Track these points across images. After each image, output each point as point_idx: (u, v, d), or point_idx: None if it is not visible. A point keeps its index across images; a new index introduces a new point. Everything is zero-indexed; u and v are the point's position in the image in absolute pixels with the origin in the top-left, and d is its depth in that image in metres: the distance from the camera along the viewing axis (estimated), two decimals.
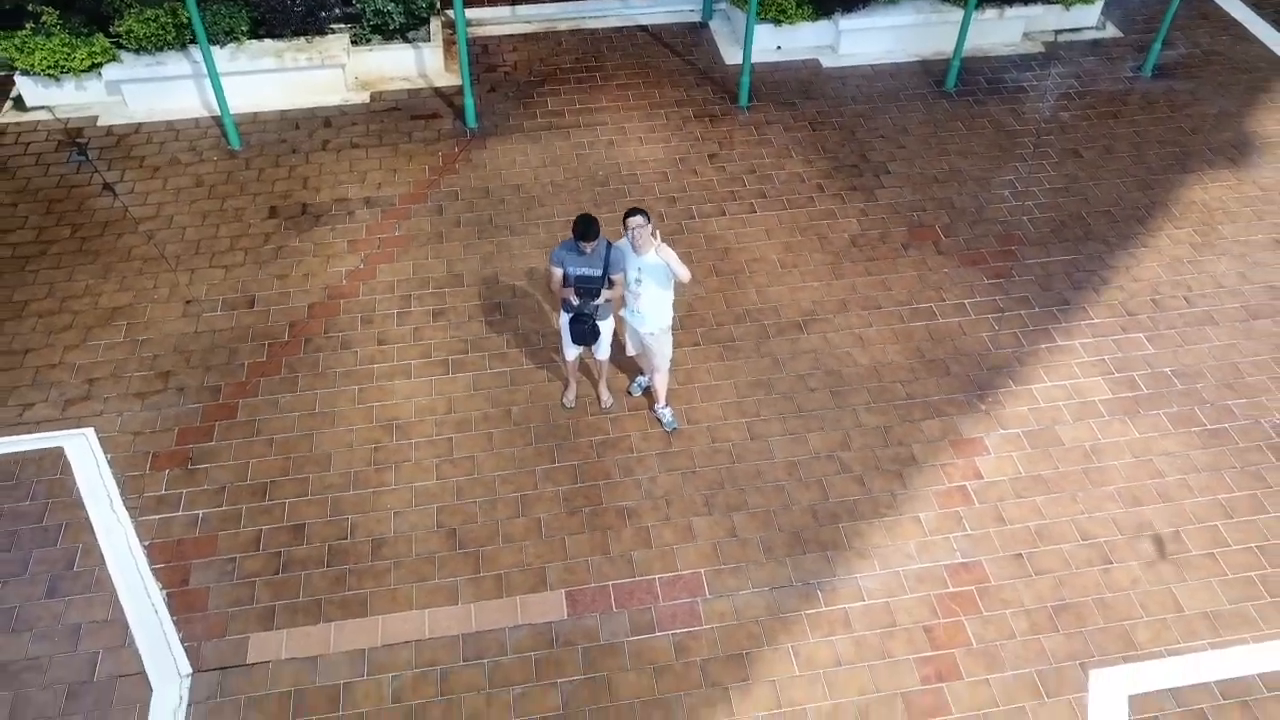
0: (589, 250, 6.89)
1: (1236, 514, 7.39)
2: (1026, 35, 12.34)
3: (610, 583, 6.88)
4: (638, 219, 6.82)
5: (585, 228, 6.67)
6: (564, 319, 7.33)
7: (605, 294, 7.04)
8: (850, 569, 7.00)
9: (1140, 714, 6.27)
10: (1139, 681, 6.43)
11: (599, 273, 6.93)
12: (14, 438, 7.67)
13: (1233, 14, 12.95)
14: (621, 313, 7.46)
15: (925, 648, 6.58)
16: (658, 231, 6.89)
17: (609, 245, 7.03)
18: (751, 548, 7.11)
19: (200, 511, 7.25)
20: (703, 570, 6.97)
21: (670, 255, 6.78)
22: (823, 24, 11.87)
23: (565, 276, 7.03)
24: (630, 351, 7.87)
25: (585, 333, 7.24)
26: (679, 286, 7.32)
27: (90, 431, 7.75)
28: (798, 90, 11.48)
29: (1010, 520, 7.32)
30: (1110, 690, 6.38)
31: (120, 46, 10.57)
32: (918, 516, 7.33)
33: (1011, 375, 8.37)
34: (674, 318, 7.38)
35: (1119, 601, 6.86)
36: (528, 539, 7.12)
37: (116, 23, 10.42)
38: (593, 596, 6.80)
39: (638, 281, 7.07)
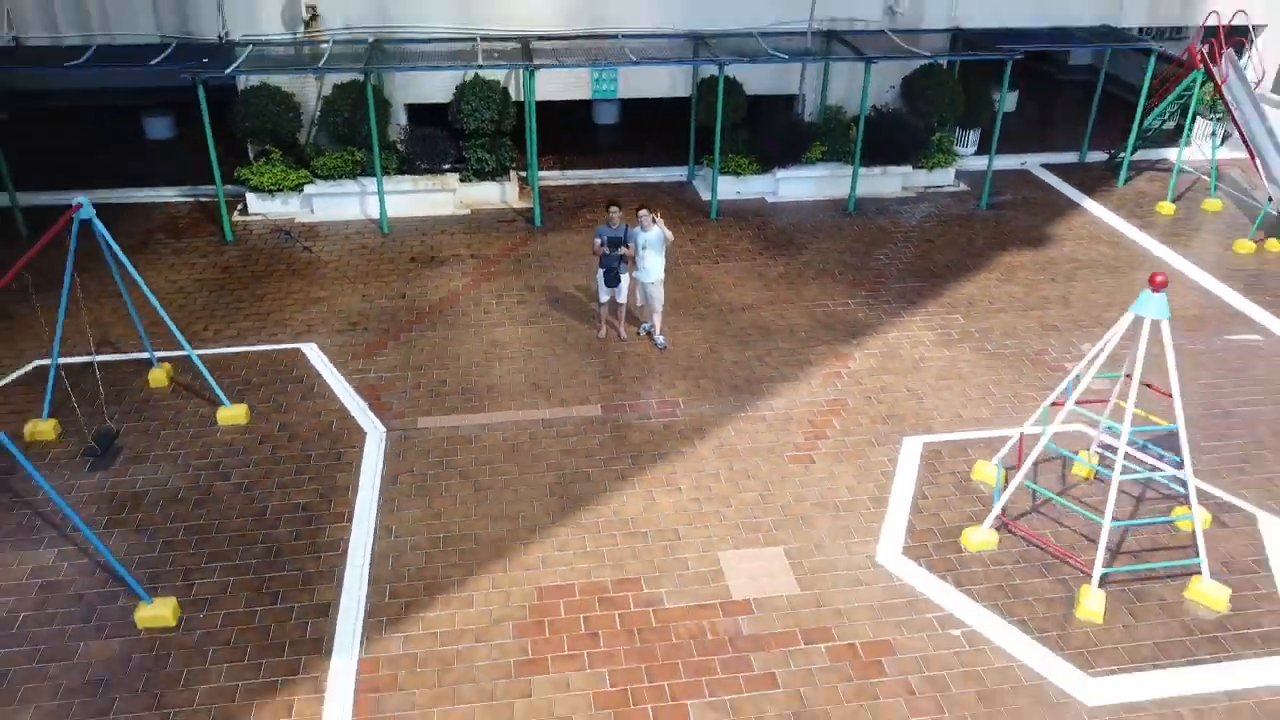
0: (615, 226, 12.43)
1: (1002, 384, 12.33)
2: (904, 187, 18.49)
3: (626, 402, 11.78)
4: (645, 211, 12.39)
5: (612, 201, 12.31)
6: (600, 274, 12.71)
7: (622, 250, 12.48)
8: (766, 401, 11.89)
9: (929, 451, 10.98)
10: (931, 440, 11.18)
11: (621, 236, 12.43)
12: (271, 345, 12.84)
13: (1048, 181, 19.17)
14: (634, 274, 12.81)
15: (807, 428, 11.37)
16: (659, 215, 12.41)
17: (626, 227, 12.57)
18: (709, 392, 12.04)
19: (382, 374, 12.27)
20: (680, 399, 11.87)
21: (663, 225, 12.29)
22: (767, 177, 18.04)
23: (602, 242, 12.51)
24: (639, 303, 13.16)
25: (613, 277, 12.60)
26: (669, 253, 12.75)
27: (313, 345, 12.91)
28: (750, 213, 17.44)
29: (865, 384, 12.27)
30: (913, 442, 11.11)
31: (315, 174, 16.66)
32: (809, 382, 12.30)
33: (875, 330, 13.55)
34: (665, 277, 12.72)
35: (926, 412, 11.69)
36: (577, 386, 12.08)
37: (315, 160, 16.58)
38: (615, 406, 11.68)
39: (644, 248, 12.50)
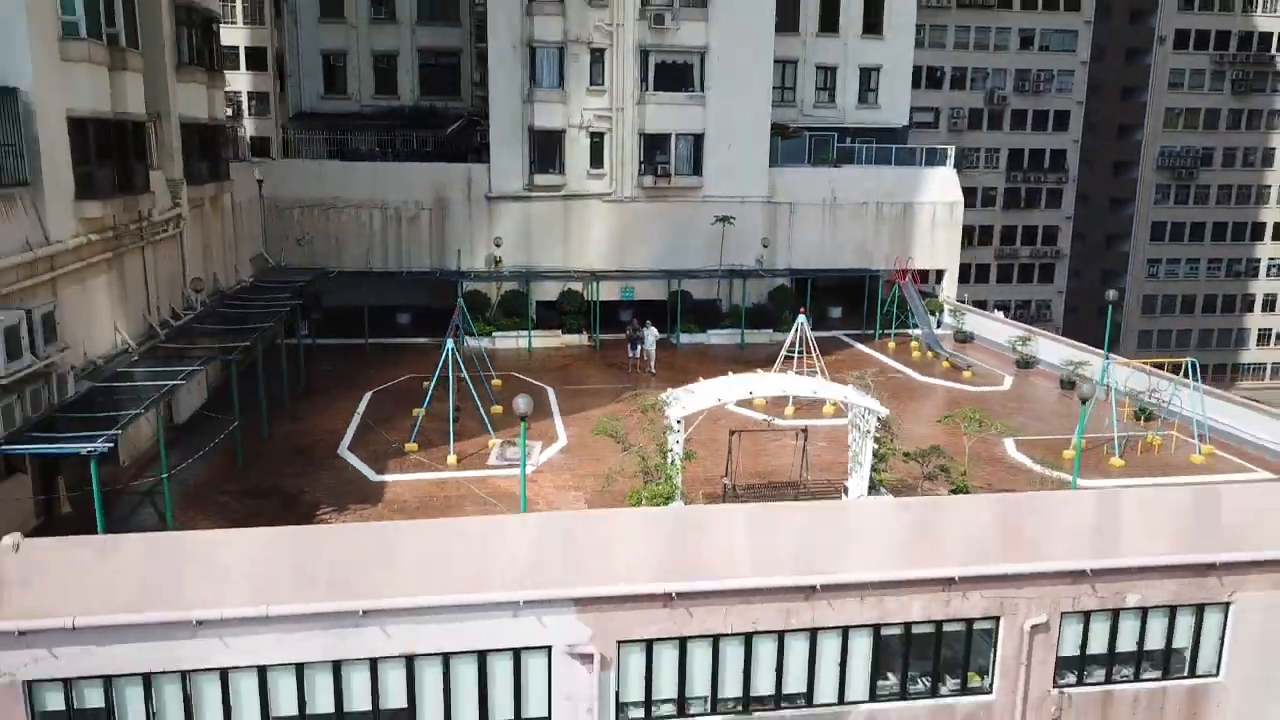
0: (634, 325, 32.61)
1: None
2: (770, 339, 38.56)
3: (639, 383, 31.27)
4: (647, 321, 32.58)
5: (635, 314, 32.62)
6: (629, 344, 32.64)
7: (638, 334, 32.47)
8: (696, 381, 31.37)
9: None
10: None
11: (638, 326, 32.51)
12: (502, 372, 32.47)
13: (846, 340, 39.35)
14: (643, 344, 32.64)
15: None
16: (651, 325, 32.47)
17: (639, 324, 32.70)
18: (676, 381, 31.49)
19: (545, 374, 31.80)
20: (664, 385, 31.35)
21: (653, 329, 32.44)
22: (703, 334, 38.21)
23: (629, 330, 32.55)
24: (645, 359, 32.93)
25: (634, 345, 32.55)
26: (658, 341, 32.71)
27: (516, 373, 32.54)
28: (696, 349, 37.43)
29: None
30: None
31: (496, 329, 36.86)
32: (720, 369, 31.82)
33: (747, 368, 33.16)
34: (656, 347, 32.54)
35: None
36: (618, 380, 31.60)
37: (497, 322, 36.89)
38: (636, 384, 31.15)
39: (647, 335, 32.52)
